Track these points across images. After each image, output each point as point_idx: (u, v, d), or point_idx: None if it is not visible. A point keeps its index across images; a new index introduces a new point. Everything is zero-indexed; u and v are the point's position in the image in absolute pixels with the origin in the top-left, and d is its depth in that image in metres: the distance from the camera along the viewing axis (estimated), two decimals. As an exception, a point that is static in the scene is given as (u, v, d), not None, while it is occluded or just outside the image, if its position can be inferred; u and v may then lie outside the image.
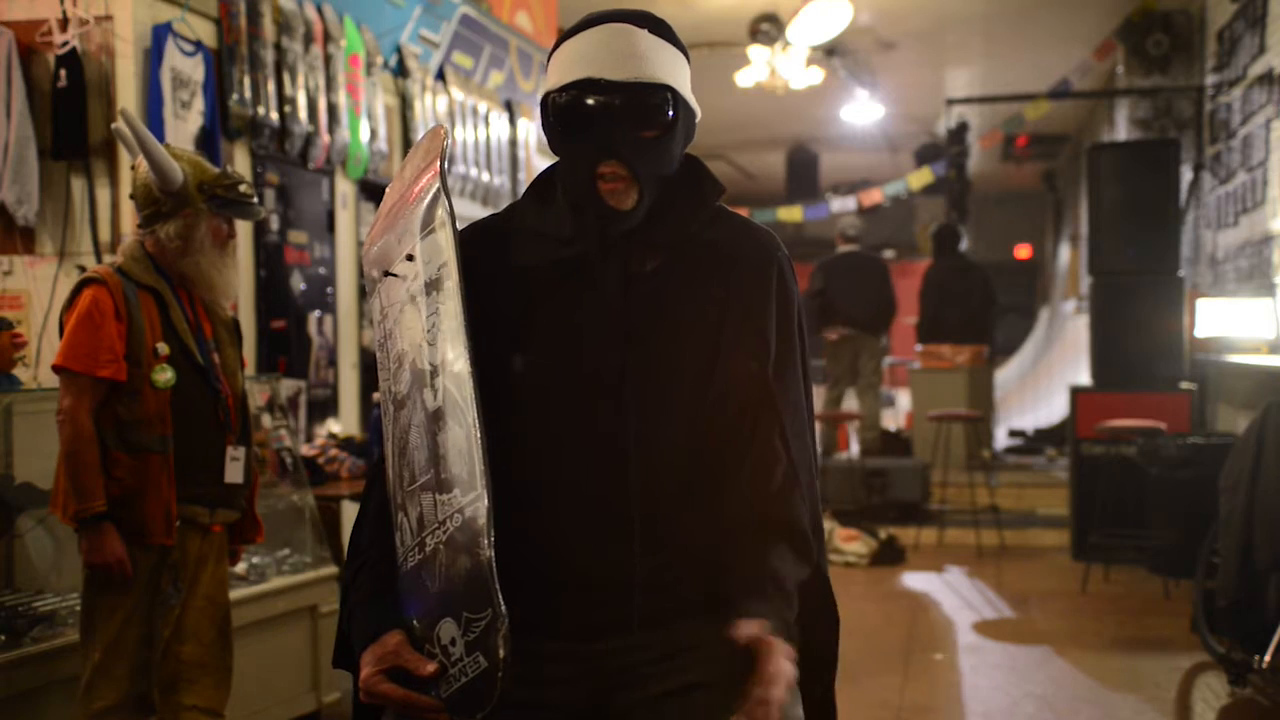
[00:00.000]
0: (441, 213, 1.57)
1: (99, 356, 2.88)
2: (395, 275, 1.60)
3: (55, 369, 2.92)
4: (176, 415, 2.98)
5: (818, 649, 1.73)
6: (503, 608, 1.44)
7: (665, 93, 1.59)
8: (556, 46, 1.64)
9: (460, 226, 1.61)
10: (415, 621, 1.53)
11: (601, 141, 1.57)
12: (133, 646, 2.96)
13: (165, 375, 2.96)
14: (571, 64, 1.59)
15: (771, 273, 1.67)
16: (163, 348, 2.97)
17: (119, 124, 3.03)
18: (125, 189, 4.21)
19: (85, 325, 2.90)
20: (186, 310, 3.07)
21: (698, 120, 1.69)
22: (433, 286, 1.56)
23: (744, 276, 1.65)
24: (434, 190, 1.58)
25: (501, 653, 1.43)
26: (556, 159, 1.67)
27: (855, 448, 9.26)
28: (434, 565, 1.50)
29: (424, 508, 1.52)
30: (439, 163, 1.60)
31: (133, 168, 3.08)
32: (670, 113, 1.60)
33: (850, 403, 8.97)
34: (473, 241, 1.64)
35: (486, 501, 1.47)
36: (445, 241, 1.56)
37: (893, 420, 10.93)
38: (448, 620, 1.48)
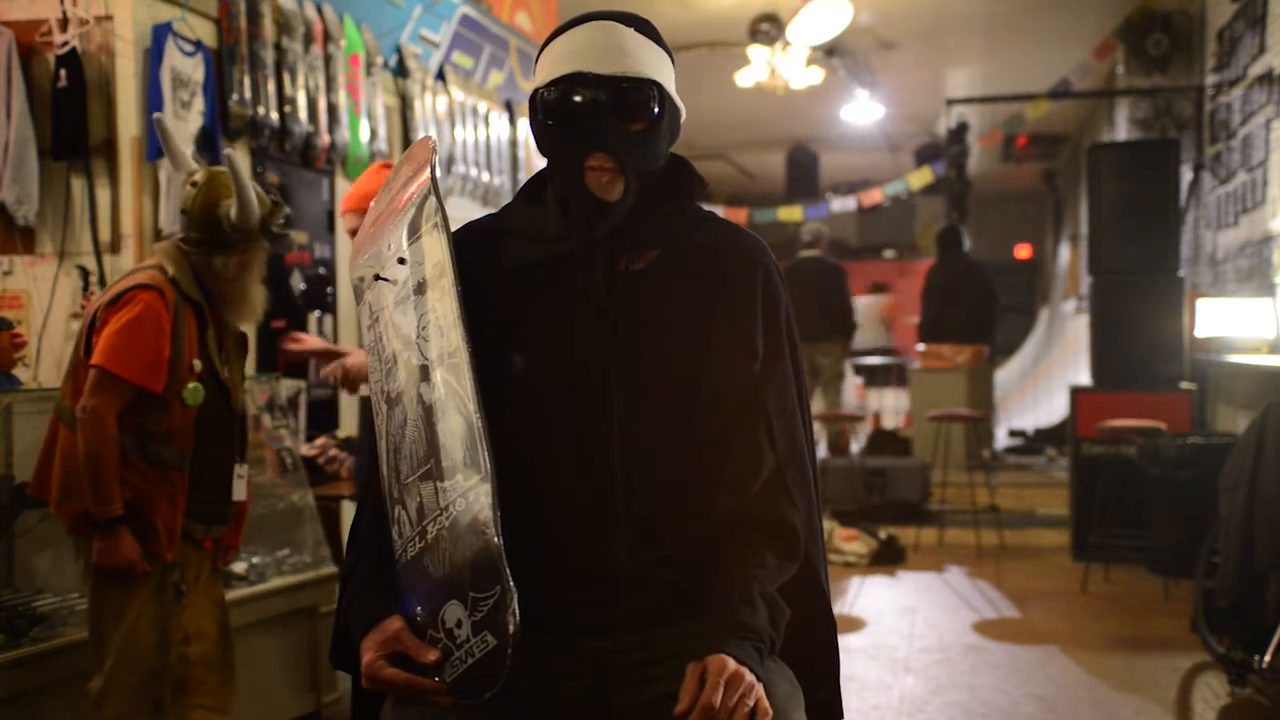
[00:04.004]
0: (434, 215, 1.60)
1: (145, 366, 2.86)
2: (386, 279, 1.62)
3: (93, 367, 2.86)
4: (197, 432, 2.97)
5: (816, 655, 1.74)
6: (511, 584, 1.45)
7: (651, 88, 1.62)
8: (545, 46, 1.67)
9: (454, 227, 1.64)
10: (418, 610, 1.53)
11: (590, 133, 1.59)
12: (144, 653, 2.96)
13: (196, 392, 2.95)
14: (560, 60, 1.62)
15: (757, 276, 1.69)
16: (197, 364, 2.96)
17: (230, 153, 3.02)
18: (125, 189, 4.22)
19: (138, 331, 2.86)
20: (214, 325, 3.07)
21: (683, 119, 1.71)
22: (425, 286, 1.58)
23: (730, 279, 1.68)
24: (425, 194, 1.61)
25: (511, 628, 1.44)
26: (544, 158, 1.69)
27: (855, 447, 9.27)
28: (437, 551, 1.51)
29: (424, 497, 1.53)
30: (429, 169, 1.63)
31: (192, 183, 3.05)
32: (656, 108, 1.63)
33: (816, 403, 9.01)
34: (465, 242, 1.67)
35: (490, 484, 1.48)
36: (439, 242, 1.59)
37: (892, 420, 10.94)
38: (453, 603, 1.49)
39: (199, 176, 3.04)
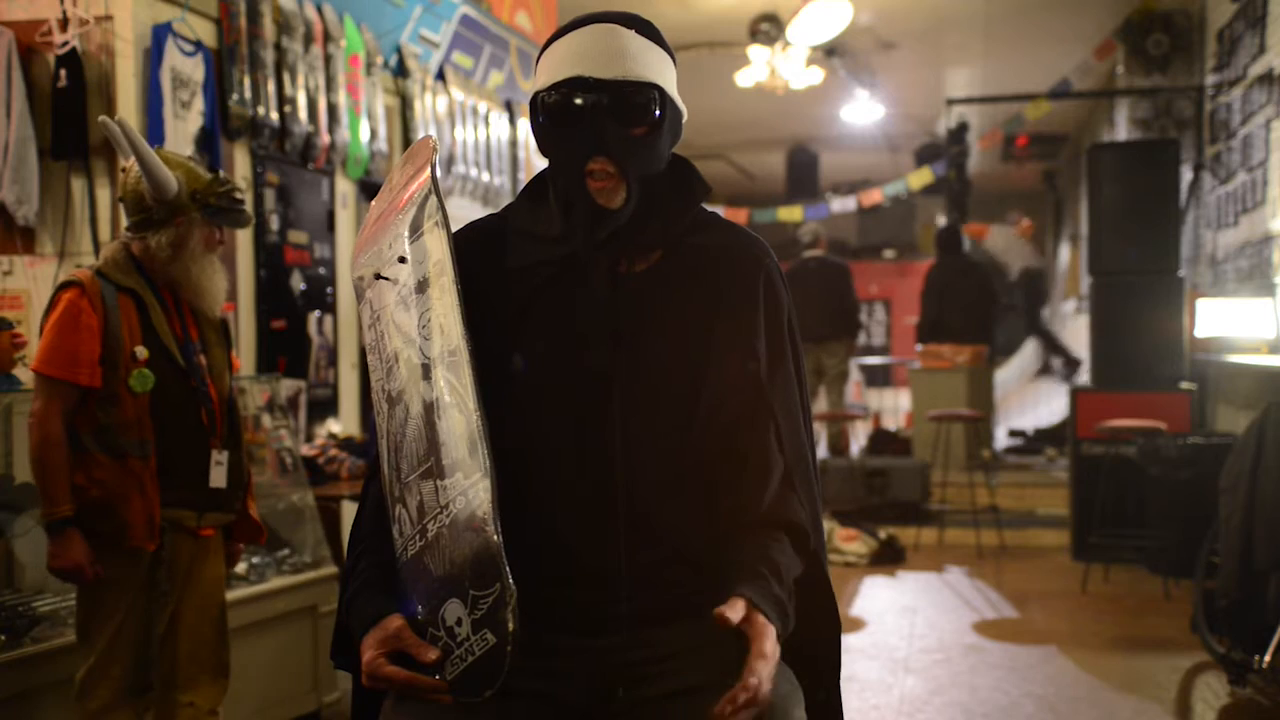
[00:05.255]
0: (434, 214, 1.60)
1: (73, 362, 2.86)
2: (386, 279, 1.63)
3: (33, 373, 2.91)
4: (157, 419, 2.94)
5: (819, 654, 1.74)
6: (510, 581, 1.45)
7: (653, 91, 1.62)
8: (545, 47, 1.66)
9: (455, 227, 1.64)
10: (419, 608, 1.53)
11: (591, 138, 1.59)
12: (128, 647, 2.95)
13: (144, 378, 2.92)
14: (561, 63, 1.61)
15: (759, 276, 1.69)
16: (141, 351, 2.93)
17: (106, 120, 2.95)
18: (125, 189, 4.22)
19: (60, 330, 2.87)
20: (171, 312, 3.03)
21: (684, 121, 1.71)
22: (426, 285, 1.59)
23: (732, 280, 1.68)
24: (426, 193, 1.61)
25: (510, 626, 1.44)
26: (545, 160, 1.68)
27: (856, 447, 9.27)
28: (437, 549, 1.52)
29: (424, 495, 1.53)
30: (430, 169, 1.63)
31: (123, 170, 3.03)
32: (658, 111, 1.62)
33: (819, 403, 9.01)
34: (467, 242, 1.67)
35: (490, 481, 1.49)
36: (438, 241, 1.60)
37: (892, 420, 10.94)
38: (453, 601, 1.49)
39: (129, 162, 3.03)
